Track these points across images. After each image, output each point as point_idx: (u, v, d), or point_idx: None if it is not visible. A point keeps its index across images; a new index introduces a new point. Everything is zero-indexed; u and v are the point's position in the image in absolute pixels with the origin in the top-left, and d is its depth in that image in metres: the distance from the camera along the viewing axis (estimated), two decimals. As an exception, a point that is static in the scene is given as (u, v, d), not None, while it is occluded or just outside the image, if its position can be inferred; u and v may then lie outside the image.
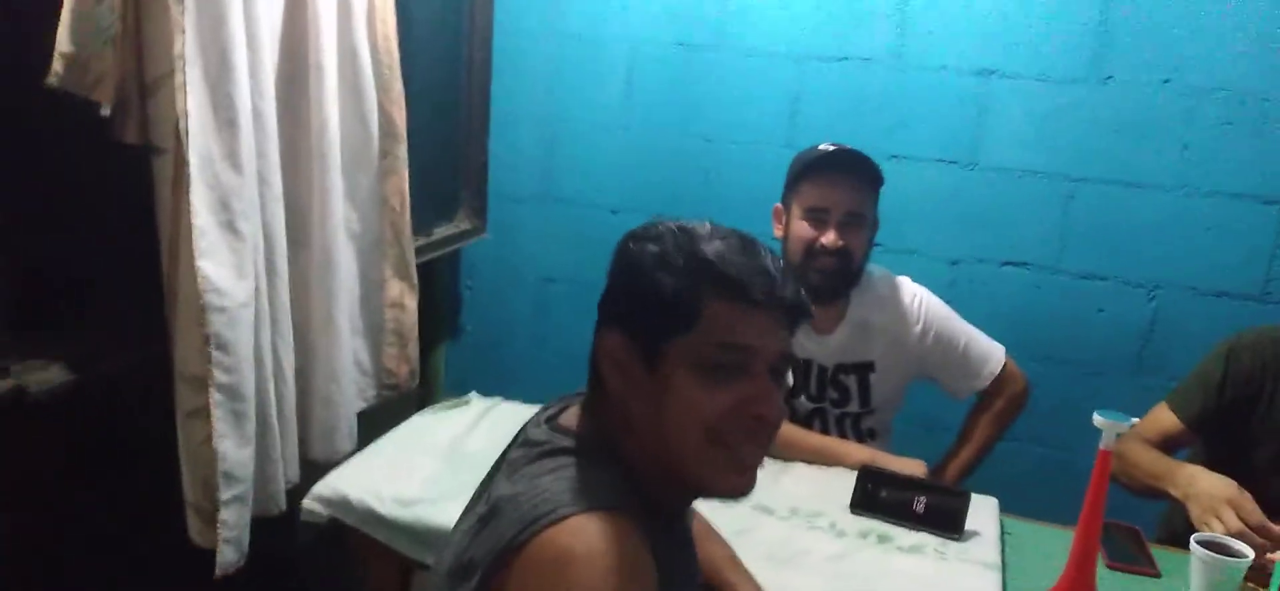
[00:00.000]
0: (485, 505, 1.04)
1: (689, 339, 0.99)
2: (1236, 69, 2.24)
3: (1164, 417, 1.90)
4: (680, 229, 1.03)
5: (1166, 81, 2.29)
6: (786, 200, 2.00)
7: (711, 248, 1.01)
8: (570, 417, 1.10)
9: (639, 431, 1.03)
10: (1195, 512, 1.69)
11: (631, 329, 1.02)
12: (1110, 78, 2.33)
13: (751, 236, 1.05)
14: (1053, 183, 2.42)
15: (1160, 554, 1.69)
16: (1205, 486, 1.71)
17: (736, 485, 1.03)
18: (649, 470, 1.04)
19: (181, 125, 1.53)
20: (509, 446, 1.14)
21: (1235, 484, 1.69)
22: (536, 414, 1.15)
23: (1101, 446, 1.43)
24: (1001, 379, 2.06)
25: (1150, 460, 1.85)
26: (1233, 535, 1.58)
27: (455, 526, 1.10)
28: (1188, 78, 2.28)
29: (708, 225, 1.04)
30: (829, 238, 1.91)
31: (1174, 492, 1.77)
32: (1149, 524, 1.91)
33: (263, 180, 1.73)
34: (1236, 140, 2.27)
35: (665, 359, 0.99)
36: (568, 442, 1.05)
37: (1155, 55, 2.29)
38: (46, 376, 1.59)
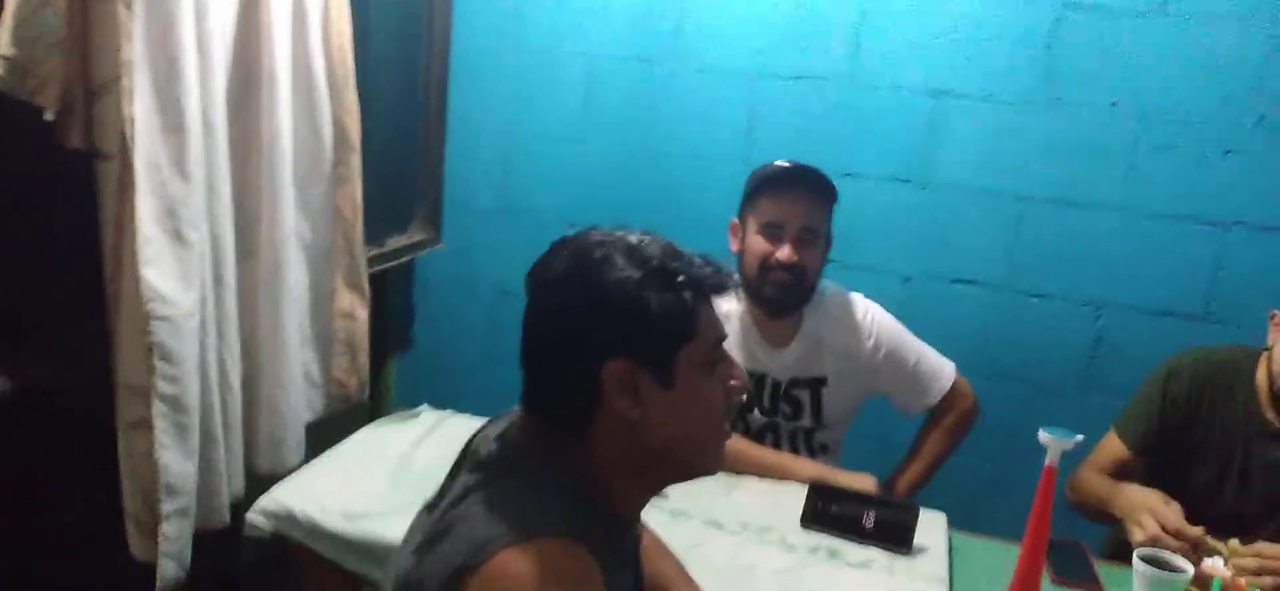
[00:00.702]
0: (434, 523, 1.02)
1: (692, 346, 1.05)
2: (1180, 94, 2.29)
3: (1114, 446, 1.94)
4: (619, 243, 1.06)
5: (1113, 104, 2.34)
6: (743, 215, 2.01)
7: (665, 254, 1.05)
8: (519, 433, 1.09)
9: (646, 445, 1.04)
10: (1127, 524, 1.74)
11: (635, 353, 1.02)
12: (1059, 99, 2.37)
13: (659, 234, 1.10)
14: (1002, 202, 2.45)
15: (1105, 569, 1.72)
16: (1137, 499, 1.76)
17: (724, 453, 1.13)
18: (620, 480, 1.06)
19: (128, 131, 1.51)
20: (457, 462, 1.12)
21: (1161, 494, 1.74)
22: (483, 428, 1.14)
23: (1047, 463, 1.45)
24: (952, 395, 2.09)
25: (1096, 484, 1.90)
26: (1150, 538, 1.65)
27: (402, 543, 1.09)
28: (1134, 101, 2.32)
29: (633, 234, 1.08)
30: (784, 253, 1.93)
31: (1116, 511, 1.81)
32: (1095, 540, 1.94)
33: (211, 188, 1.71)
34: (1179, 163, 2.31)
35: (679, 371, 1.04)
36: (520, 462, 1.04)
37: (1103, 79, 2.33)
38: (-17, 386, 1.55)
